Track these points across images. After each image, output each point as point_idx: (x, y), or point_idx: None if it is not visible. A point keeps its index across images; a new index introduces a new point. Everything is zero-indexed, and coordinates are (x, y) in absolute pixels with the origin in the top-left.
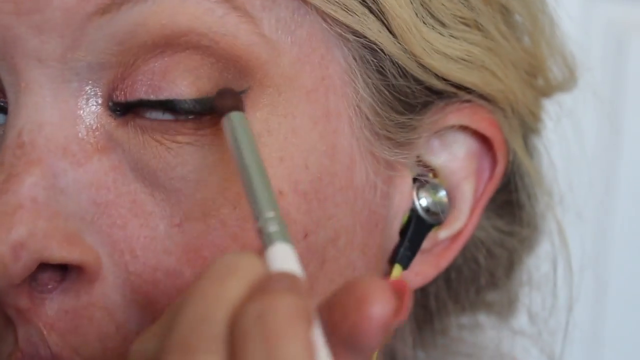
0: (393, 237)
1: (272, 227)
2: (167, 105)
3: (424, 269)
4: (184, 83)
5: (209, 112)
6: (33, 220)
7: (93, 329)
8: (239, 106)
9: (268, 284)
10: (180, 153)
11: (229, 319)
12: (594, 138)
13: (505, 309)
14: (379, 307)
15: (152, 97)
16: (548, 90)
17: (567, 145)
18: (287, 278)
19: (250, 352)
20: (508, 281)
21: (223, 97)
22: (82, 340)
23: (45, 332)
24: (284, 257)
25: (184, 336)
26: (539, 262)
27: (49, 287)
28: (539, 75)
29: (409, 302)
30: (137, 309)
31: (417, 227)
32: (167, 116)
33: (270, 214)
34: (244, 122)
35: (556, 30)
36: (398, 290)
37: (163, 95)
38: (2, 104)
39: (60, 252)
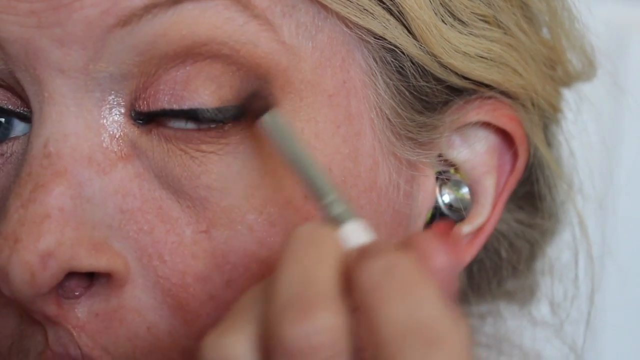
0: None
1: (339, 208)
2: (190, 115)
3: None
4: (206, 92)
5: (232, 120)
6: (61, 230)
7: (124, 330)
8: (270, 105)
9: (377, 247)
10: (204, 162)
11: (337, 279)
12: (613, 130)
13: (526, 297)
14: (440, 260)
15: (175, 107)
16: (567, 80)
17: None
18: (389, 244)
19: (387, 301)
20: (529, 271)
21: (252, 101)
22: (112, 340)
23: (75, 334)
24: (362, 232)
25: (295, 298)
26: (559, 253)
27: (76, 293)
28: (558, 66)
29: (458, 242)
30: (169, 310)
31: None
32: (190, 125)
33: (333, 196)
34: (282, 119)
35: (575, 23)
36: (445, 235)
37: (186, 105)
38: (25, 113)
39: (88, 261)
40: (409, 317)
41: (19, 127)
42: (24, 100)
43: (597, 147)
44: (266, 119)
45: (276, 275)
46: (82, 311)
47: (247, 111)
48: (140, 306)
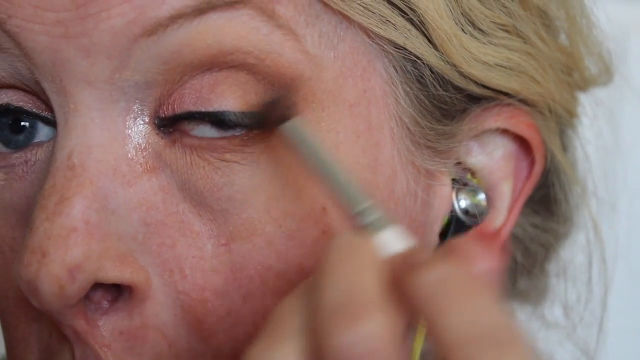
0: (433, 240)
1: (372, 216)
2: (216, 117)
3: None
4: (232, 96)
5: (257, 127)
6: (87, 243)
7: (147, 349)
8: (292, 113)
9: (425, 256)
10: (227, 173)
11: (382, 286)
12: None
13: (540, 297)
14: (481, 263)
15: (202, 109)
16: (584, 85)
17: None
18: (438, 254)
19: (447, 310)
20: (542, 272)
21: (275, 108)
22: (137, 359)
23: (102, 355)
24: (399, 239)
25: (343, 305)
26: (573, 256)
27: (102, 306)
28: (575, 72)
29: (499, 244)
30: (187, 327)
31: (456, 229)
32: (214, 133)
33: (365, 204)
34: (305, 127)
35: (594, 30)
36: (486, 239)
37: (212, 107)
38: (50, 117)
39: (113, 272)
40: (473, 323)
41: (42, 130)
42: (48, 105)
43: (612, 150)
44: (289, 126)
45: (319, 285)
46: (108, 329)
47: (267, 119)
48: (161, 324)
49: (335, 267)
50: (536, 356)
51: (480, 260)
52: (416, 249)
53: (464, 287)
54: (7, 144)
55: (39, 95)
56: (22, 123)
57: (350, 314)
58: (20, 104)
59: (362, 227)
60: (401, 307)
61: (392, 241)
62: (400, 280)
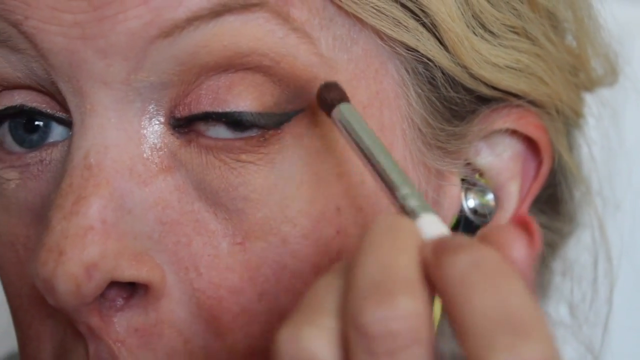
0: None
1: (414, 202)
2: (233, 117)
3: None
4: (249, 97)
5: (273, 128)
6: (104, 242)
7: (162, 345)
8: (345, 98)
9: (460, 240)
10: (242, 173)
11: (418, 268)
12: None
13: (541, 293)
14: (518, 250)
15: (219, 110)
16: (590, 86)
17: (607, 138)
18: (471, 239)
19: (474, 292)
20: (546, 270)
21: (329, 90)
22: (151, 356)
23: (115, 349)
24: (437, 226)
25: (375, 282)
26: (579, 255)
27: (117, 304)
28: (581, 72)
29: (536, 231)
30: (203, 325)
31: (465, 229)
32: (229, 134)
33: (409, 189)
34: (355, 110)
35: (601, 31)
36: (524, 225)
37: (229, 107)
38: (64, 117)
39: (129, 271)
40: (497, 307)
41: (56, 130)
42: (63, 105)
43: (617, 149)
44: (341, 109)
45: (355, 264)
46: (122, 325)
47: (324, 97)
48: (176, 320)
49: (374, 246)
50: (557, 348)
51: (516, 247)
52: (455, 235)
53: (494, 272)
54: (21, 143)
55: (54, 95)
56: (36, 123)
57: (383, 292)
58: (35, 104)
59: (405, 211)
60: (432, 291)
61: (432, 227)
62: (433, 263)
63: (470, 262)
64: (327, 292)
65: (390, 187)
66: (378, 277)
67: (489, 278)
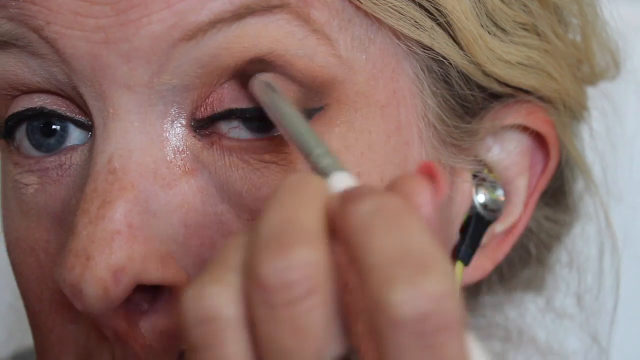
0: (454, 236)
1: (326, 161)
2: (257, 114)
3: (482, 263)
4: None
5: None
6: (131, 246)
7: None
8: (264, 70)
9: (363, 189)
10: (265, 173)
11: (320, 220)
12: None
13: (541, 283)
14: (422, 196)
15: (243, 106)
16: (593, 79)
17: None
18: (377, 187)
19: (374, 234)
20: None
21: (252, 63)
22: (176, 359)
23: (142, 354)
24: (348, 182)
25: (274, 235)
26: (584, 247)
27: (142, 307)
28: (585, 65)
29: (440, 177)
30: None
31: (476, 225)
32: (249, 135)
33: (321, 149)
34: (271, 81)
35: (605, 26)
36: (428, 172)
37: (252, 104)
38: (82, 120)
39: (156, 274)
40: (397, 246)
41: (74, 134)
42: (82, 109)
43: (620, 142)
44: (257, 80)
45: (259, 219)
46: (148, 329)
47: (242, 75)
48: None
49: (277, 202)
50: (455, 281)
51: (420, 192)
52: (360, 186)
53: (395, 215)
54: (38, 147)
55: (74, 99)
56: (54, 126)
57: (281, 243)
58: (54, 107)
59: (318, 170)
60: (337, 242)
61: (342, 182)
62: (338, 213)
63: (372, 208)
64: (233, 250)
65: (304, 149)
66: (278, 229)
67: (390, 221)
